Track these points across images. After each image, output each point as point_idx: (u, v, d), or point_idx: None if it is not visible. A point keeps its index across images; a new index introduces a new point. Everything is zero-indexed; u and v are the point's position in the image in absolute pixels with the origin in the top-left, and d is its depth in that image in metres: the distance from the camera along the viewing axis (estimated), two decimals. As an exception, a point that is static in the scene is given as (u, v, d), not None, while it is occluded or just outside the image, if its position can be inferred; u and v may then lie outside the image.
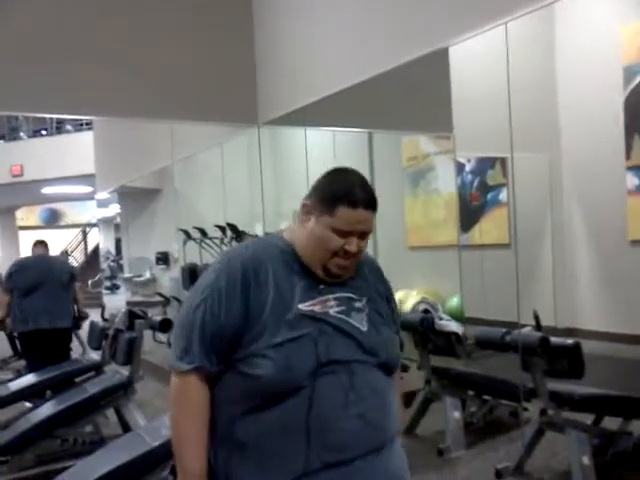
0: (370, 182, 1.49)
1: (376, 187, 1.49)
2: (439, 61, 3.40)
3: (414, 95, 4.38)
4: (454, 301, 6.15)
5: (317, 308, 1.42)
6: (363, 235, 1.43)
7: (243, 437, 1.40)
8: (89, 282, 11.16)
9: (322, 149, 5.80)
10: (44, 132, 12.29)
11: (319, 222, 1.41)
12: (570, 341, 2.83)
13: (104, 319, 5.16)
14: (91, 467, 2.76)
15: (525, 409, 3.52)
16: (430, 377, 3.90)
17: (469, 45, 2.84)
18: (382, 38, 3.24)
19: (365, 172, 1.50)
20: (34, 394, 4.70)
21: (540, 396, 2.93)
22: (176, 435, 1.43)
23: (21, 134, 12.11)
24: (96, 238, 17.26)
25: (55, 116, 8.35)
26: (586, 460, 2.70)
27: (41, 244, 5.63)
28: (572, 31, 6.53)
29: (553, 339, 2.81)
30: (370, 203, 1.42)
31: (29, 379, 4.90)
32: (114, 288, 11.03)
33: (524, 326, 3.06)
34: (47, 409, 4.15)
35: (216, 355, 1.40)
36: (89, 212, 15.55)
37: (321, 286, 1.45)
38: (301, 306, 1.41)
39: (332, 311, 1.43)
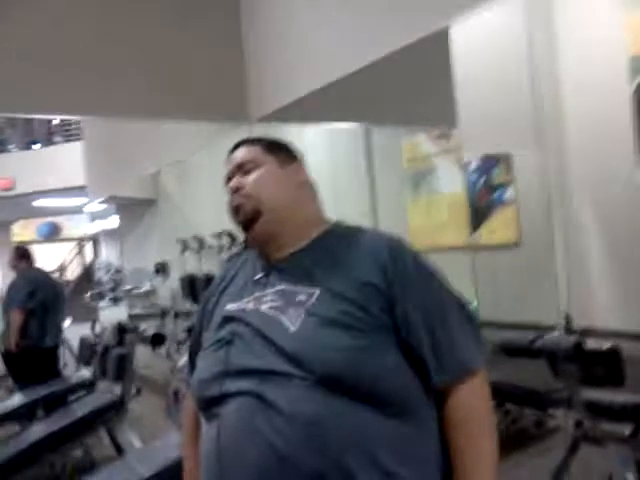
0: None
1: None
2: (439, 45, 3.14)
3: (415, 87, 4.10)
4: (472, 306, 5.86)
5: (251, 305, 1.17)
6: (245, 172, 1.26)
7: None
8: (87, 295, 11.09)
9: (322, 149, 5.54)
10: (36, 145, 11.97)
11: None
12: (606, 346, 2.53)
13: (95, 334, 4.90)
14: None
15: (550, 416, 3.25)
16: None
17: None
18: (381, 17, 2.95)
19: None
20: (24, 415, 4.41)
21: (574, 406, 2.64)
22: None
23: (9, 147, 11.85)
24: (91, 251, 17.06)
25: (22, 116, 8.12)
26: (631, 477, 2.41)
27: (27, 258, 5.30)
28: (575, 19, 6.25)
29: (588, 343, 2.53)
30: (241, 143, 1.31)
31: (18, 399, 4.64)
32: (116, 300, 10.92)
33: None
34: (34, 434, 3.86)
35: None
36: (86, 225, 15.37)
37: (261, 278, 1.21)
38: (230, 306, 1.21)
39: (264, 307, 1.14)
